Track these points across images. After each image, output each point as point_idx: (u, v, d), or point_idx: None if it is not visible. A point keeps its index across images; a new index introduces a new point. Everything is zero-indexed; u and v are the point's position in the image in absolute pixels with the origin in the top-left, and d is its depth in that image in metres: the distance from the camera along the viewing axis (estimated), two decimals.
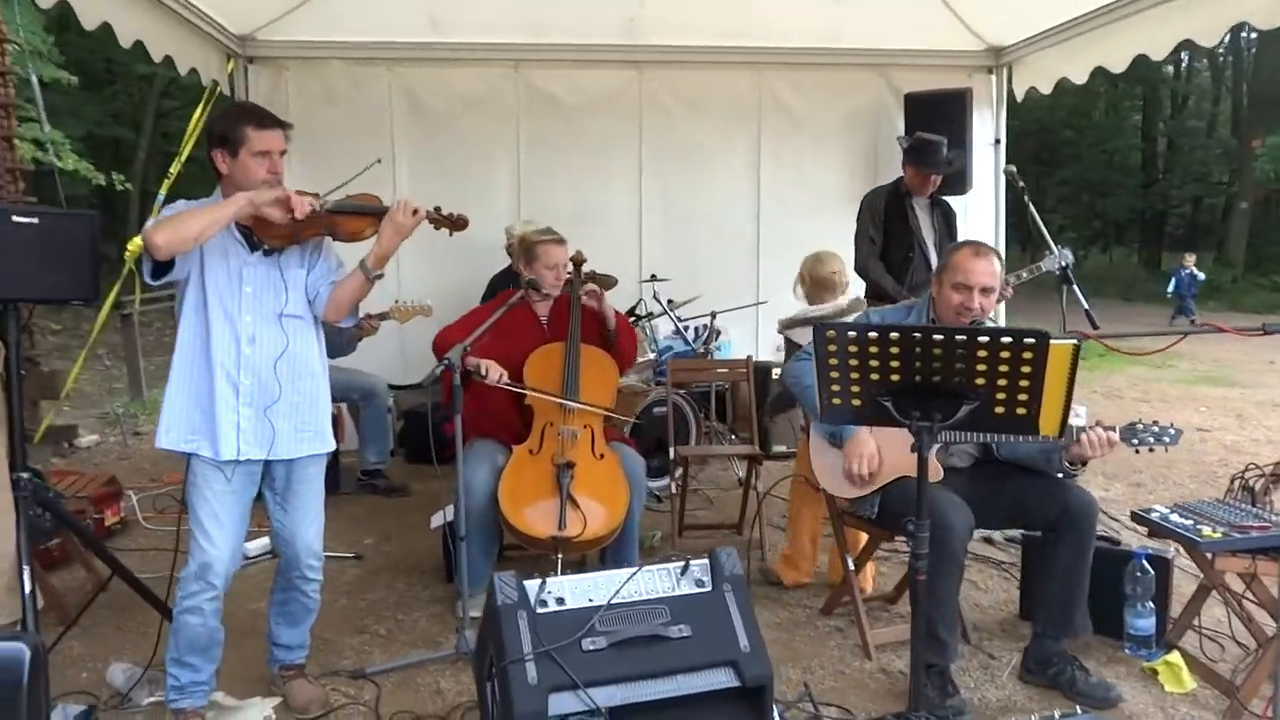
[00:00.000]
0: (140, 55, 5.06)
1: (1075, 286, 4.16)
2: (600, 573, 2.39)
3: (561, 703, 2.15)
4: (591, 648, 2.21)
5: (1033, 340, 2.19)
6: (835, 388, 2.41)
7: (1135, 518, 3.15)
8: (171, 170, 5.96)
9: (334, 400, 5.41)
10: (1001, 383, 2.28)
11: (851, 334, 2.29)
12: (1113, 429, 2.88)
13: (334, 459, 5.37)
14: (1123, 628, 3.20)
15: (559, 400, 3.47)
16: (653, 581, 2.36)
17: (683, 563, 2.40)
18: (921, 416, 2.35)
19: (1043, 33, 6.16)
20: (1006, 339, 2.21)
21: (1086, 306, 4.07)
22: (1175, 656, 3.09)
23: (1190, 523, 2.95)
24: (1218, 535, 2.85)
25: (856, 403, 2.42)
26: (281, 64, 6.37)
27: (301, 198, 2.64)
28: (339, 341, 5.44)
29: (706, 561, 2.42)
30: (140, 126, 15.52)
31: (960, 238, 5.44)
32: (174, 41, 5.18)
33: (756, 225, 6.90)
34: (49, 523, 3.07)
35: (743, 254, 6.88)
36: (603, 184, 6.74)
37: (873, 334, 2.27)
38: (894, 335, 2.26)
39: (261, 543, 4.17)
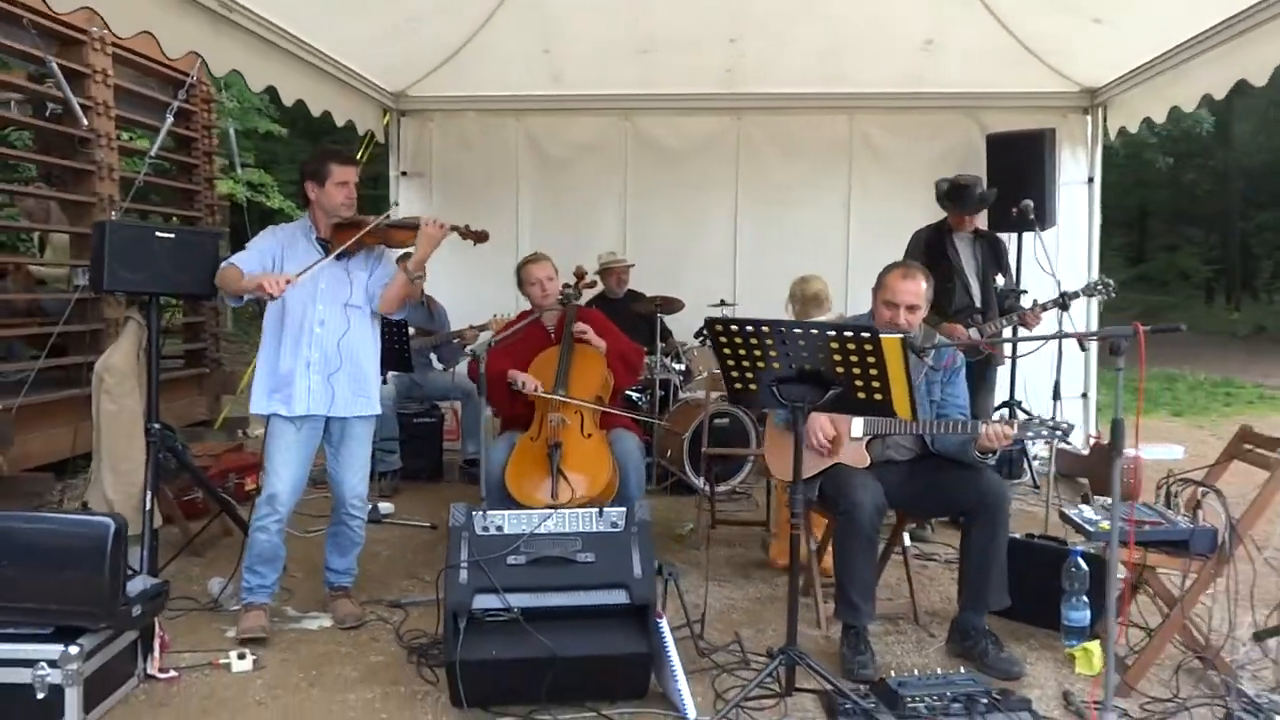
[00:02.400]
0: None
1: (1067, 313, 4.46)
2: (537, 511, 3.03)
3: (484, 600, 2.81)
4: (514, 562, 2.86)
5: (866, 335, 2.67)
6: (734, 374, 2.96)
7: (1061, 515, 3.45)
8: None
9: (443, 399, 6.38)
10: (856, 371, 2.77)
11: (734, 327, 2.84)
12: (1010, 424, 3.23)
13: (438, 451, 6.32)
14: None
15: (549, 396, 4.10)
16: (576, 521, 2.98)
17: (599, 510, 3.00)
18: (797, 399, 2.86)
19: (1133, 70, 6.30)
20: (847, 333, 2.69)
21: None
22: (1094, 644, 3.35)
23: (1096, 518, 3.25)
24: (1107, 524, 3.13)
25: (753, 387, 2.96)
26: (428, 116, 7.43)
27: (278, 280, 3.37)
28: (449, 353, 6.36)
29: (624, 510, 3.01)
30: None
31: (1012, 265, 5.73)
32: (333, 99, 6.25)
33: (846, 261, 7.27)
34: (174, 463, 4.03)
35: (832, 289, 7.29)
36: (701, 221, 7.36)
37: (750, 327, 2.81)
38: (766, 329, 2.79)
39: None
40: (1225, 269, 27.56)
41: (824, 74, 6.91)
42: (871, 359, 2.72)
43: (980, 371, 5.21)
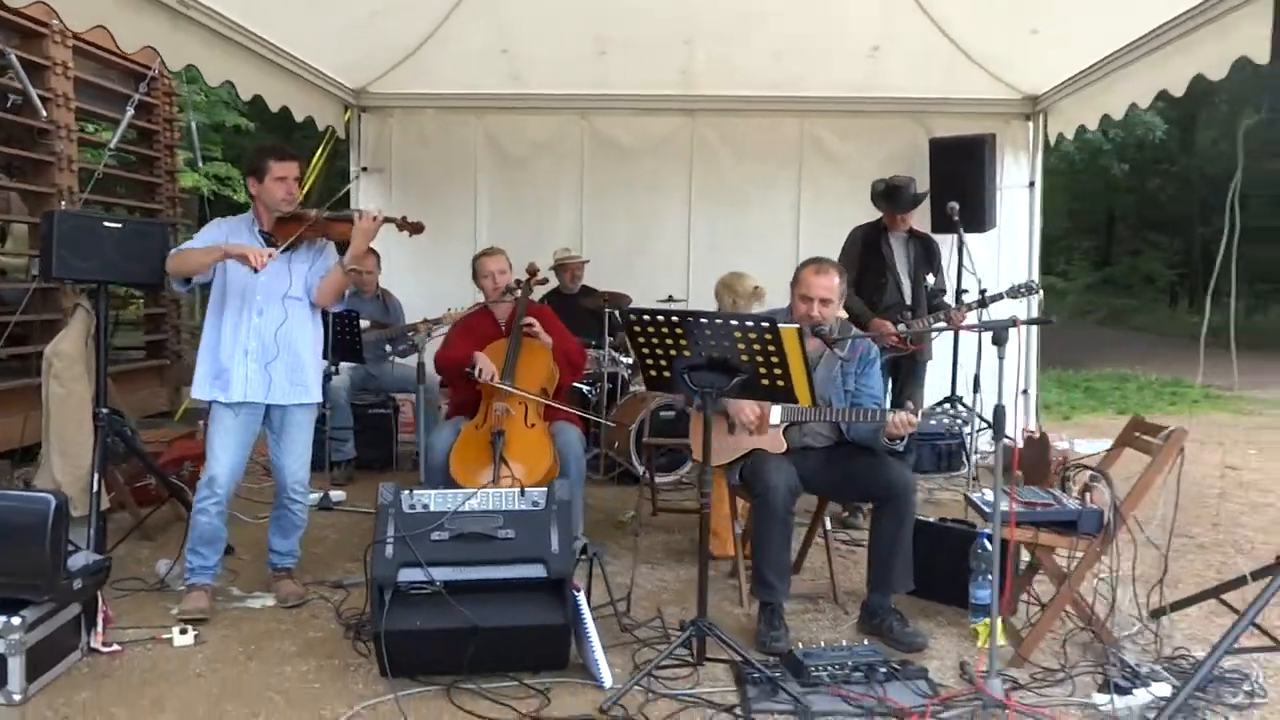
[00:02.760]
0: None
1: (985, 309, 4.69)
2: (462, 490, 3.20)
3: (409, 574, 2.97)
4: (437, 538, 3.02)
5: (766, 324, 2.85)
6: (649, 362, 3.14)
7: (966, 499, 3.65)
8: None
9: (399, 391, 6.51)
10: (760, 359, 2.95)
11: (646, 317, 3.02)
12: (915, 413, 3.43)
13: (392, 442, 6.46)
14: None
15: (495, 386, 4.26)
16: (498, 500, 3.15)
17: (521, 490, 3.17)
18: (706, 385, 3.04)
19: (1069, 79, 6.55)
20: (749, 322, 2.88)
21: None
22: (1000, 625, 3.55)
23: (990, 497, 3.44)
24: (1005, 510, 3.34)
25: (667, 374, 3.14)
26: (388, 112, 7.56)
27: (261, 253, 3.52)
28: (405, 346, 6.50)
29: (546, 490, 3.18)
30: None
31: (945, 266, 5.93)
32: (291, 94, 6.35)
33: (795, 260, 7.36)
34: (122, 448, 4.16)
35: (782, 284, 7.48)
36: (656, 219, 7.53)
37: (661, 317, 2.99)
38: (675, 319, 2.97)
39: (313, 496, 5.20)
40: (1188, 273, 28.05)
41: (776, 78, 7.10)
42: (772, 347, 2.90)
43: (909, 367, 5.41)
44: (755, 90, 7.27)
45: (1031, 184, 7.41)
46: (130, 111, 6.41)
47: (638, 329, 3.07)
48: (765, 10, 6.18)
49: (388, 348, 6.48)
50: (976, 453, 6.95)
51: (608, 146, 7.53)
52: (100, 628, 3.31)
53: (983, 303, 4.97)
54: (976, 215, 6.73)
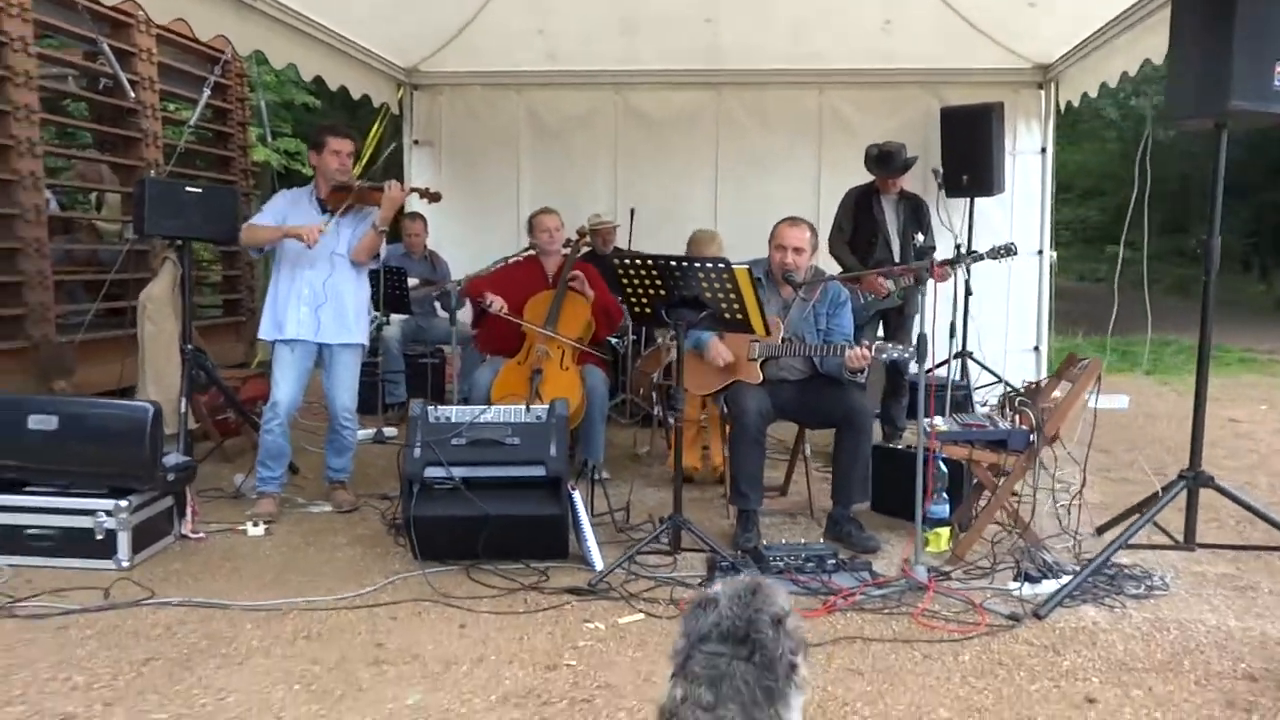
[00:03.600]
0: None
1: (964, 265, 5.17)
2: (478, 407, 3.84)
3: (433, 471, 3.62)
4: (456, 443, 3.66)
5: (723, 264, 3.41)
6: (633, 300, 3.73)
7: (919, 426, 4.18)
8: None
9: (445, 344, 7.19)
10: (720, 295, 3.52)
11: (628, 261, 3.61)
12: (869, 348, 3.95)
13: (440, 389, 7.15)
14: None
15: (536, 329, 4.90)
16: (507, 415, 3.78)
17: (526, 407, 3.79)
18: (679, 319, 3.62)
19: (1072, 49, 6.90)
20: (709, 264, 3.44)
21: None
22: (943, 529, 4.08)
23: (943, 425, 3.96)
24: (945, 429, 3.87)
25: (649, 311, 3.72)
26: (438, 89, 8.20)
27: (314, 229, 4.24)
28: (450, 302, 7.15)
29: (548, 406, 3.81)
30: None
31: (932, 227, 6.32)
32: (348, 74, 7.04)
33: (815, 220, 7.93)
34: (203, 378, 4.90)
35: None
36: (685, 187, 8.05)
37: (637, 260, 3.57)
38: (650, 262, 3.55)
39: (367, 432, 5.92)
40: (1258, 243, 27.48)
41: (795, 52, 7.56)
42: (730, 285, 3.47)
43: (897, 320, 5.86)
44: (776, 64, 7.73)
45: (1043, 150, 7.77)
46: (206, 92, 7.14)
47: (622, 275, 3.65)
48: None
49: (436, 304, 7.16)
50: (984, 404, 7.44)
51: (638, 119, 8.07)
52: (189, 518, 4.04)
53: (959, 260, 5.39)
54: (985, 180, 7.16)
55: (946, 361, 6.87)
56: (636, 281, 3.65)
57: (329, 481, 4.67)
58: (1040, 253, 7.84)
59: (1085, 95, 7.06)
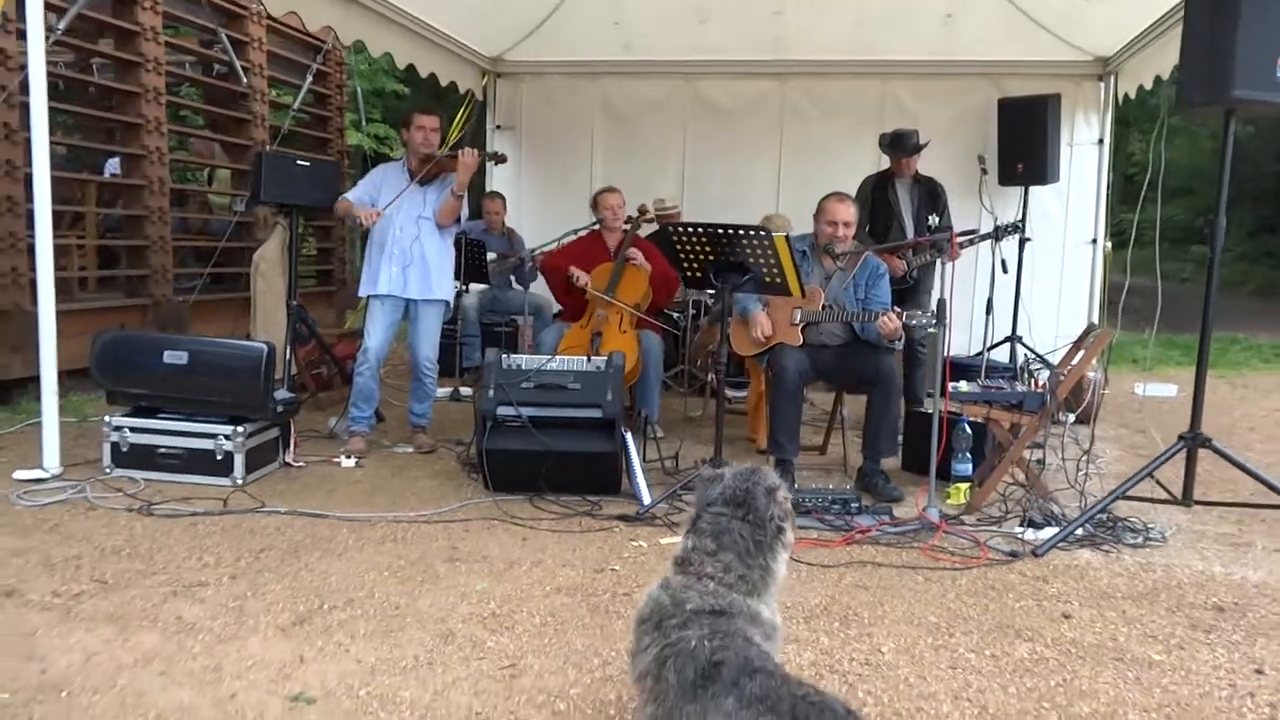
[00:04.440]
0: None
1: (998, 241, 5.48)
2: (545, 356, 4.34)
3: (504, 410, 4.14)
4: (526, 385, 4.17)
5: (764, 232, 3.84)
6: (685, 265, 4.18)
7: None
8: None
9: (518, 314, 7.75)
10: (762, 261, 3.96)
11: (681, 228, 4.06)
12: (900, 315, 4.32)
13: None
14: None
15: (600, 295, 5.40)
16: (570, 364, 4.28)
17: (587, 357, 4.28)
18: (725, 281, 4.06)
19: (1135, 37, 7.09)
20: (753, 231, 3.88)
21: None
22: (964, 485, 4.44)
23: (967, 389, 4.33)
24: (965, 390, 4.24)
25: (699, 274, 4.18)
26: (519, 78, 8.75)
27: (371, 213, 4.82)
28: (525, 275, 7.71)
29: (606, 358, 4.29)
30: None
31: (948, 209, 6.53)
32: (438, 63, 7.61)
33: None
34: (305, 331, 5.51)
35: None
36: (749, 171, 8.46)
37: (689, 228, 4.02)
38: (701, 230, 4.00)
39: (445, 390, 6.49)
40: None
41: (858, 43, 7.89)
42: (771, 252, 3.90)
43: (912, 298, 6.13)
44: (840, 55, 8.06)
45: (1101, 140, 7.96)
46: (309, 79, 7.84)
47: (676, 242, 4.11)
48: None
49: (512, 278, 7.70)
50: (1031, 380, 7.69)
51: (707, 106, 8.50)
52: (292, 448, 4.63)
53: (972, 239, 5.67)
54: (1040, 169, 7.41)
55: (996, 345, 7.15)
56: (690, 248, 4.10)
57: (411, 426, 5.23)
58: (1094, 241, 8.03)
59: (1141, 88, 7.24)
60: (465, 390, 6.86)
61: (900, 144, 6.19)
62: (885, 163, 6.68)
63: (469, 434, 5.39)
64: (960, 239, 5.49)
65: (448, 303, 5.17)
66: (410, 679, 2.52)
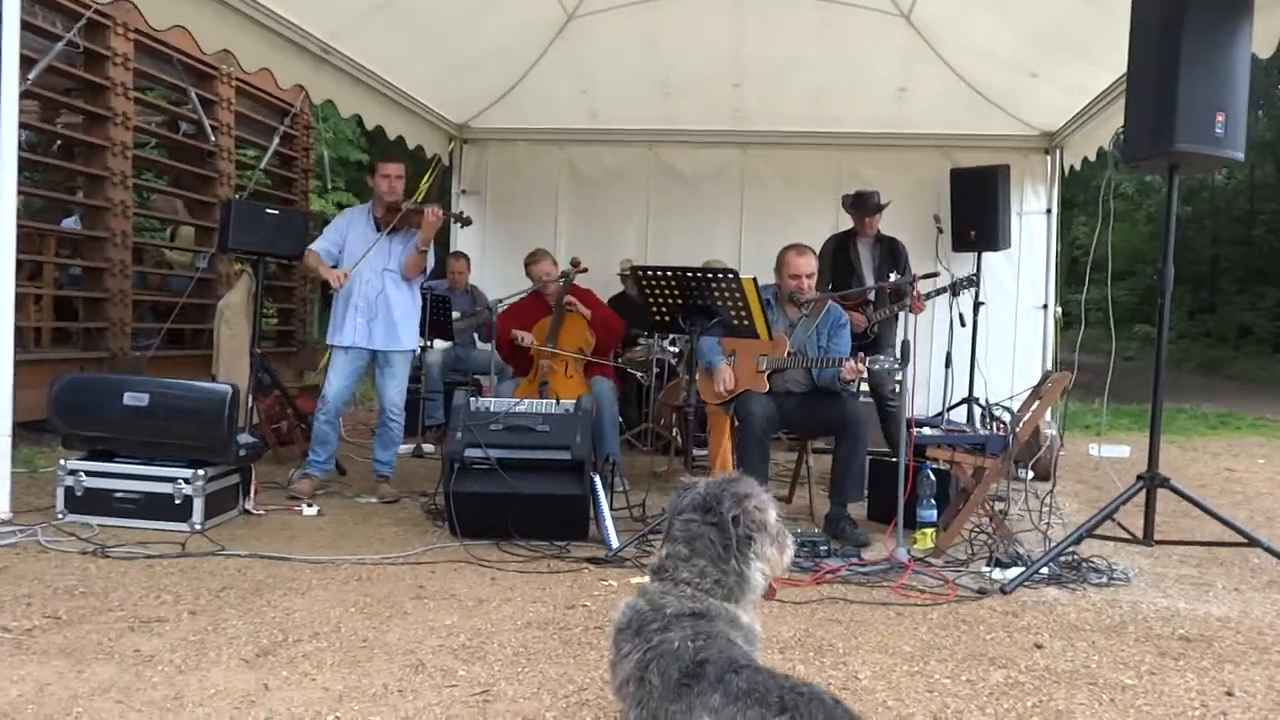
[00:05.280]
0: None
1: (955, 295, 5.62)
2: (514, 399, 4.34)
3: (472, 452, 4.11)
4: (494, 428, 4.15)
5: (733, 275, 3.92)
6: (654, 309, 4.24)
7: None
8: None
9: (482, 373, 7.73)
10: (730, 303, 4.02)
11: (649, 272, 4.12)
12: (863, 362, 4.40)
13: None
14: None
15: (542, 348, 5.45)
16: (539, 407, 4.28)
17: (556, 400, 4.29)
18: (693, 324, 4.12)
19: (1077, 114, 7.42)
20: (721, 274, 3.95)
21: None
22: (929, 530, 4.47)
23: (930, 433, 4.39)
24: (929, 433, 4.30)
25: (668, 318, 4.23)
26: (485, 144, 8.90)
27: (341, 274, 4.88)
28: (489, 332, 7.71)
29: (574, 402, 4.30)
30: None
31: (909, 267, 6.69)
32: (406, 126, 7.72)
33: None
34: (268, 380, 5.45)
35: None
36: (711, 238, 8.55)
37: (660, 272, 4.09)
38: (670, 273, 4.06)
39: (407, 447, 6.43)
40: None
41: (816, 116, 8.17)
42: (738, 294, 3.97)
43: (872, 351, 6.23)
44: (798, 126, 8.34)
45: (1049, 210, 8.27)
46: (276, 140, 7.91)
47: (645, 284, 4.17)
48: (802, 57, 7.29)
49: (475, 335, 7.71)
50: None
51: (671, 174, 8.69)
52: (253, 495, 4.54)
53: (932, 291, 5.82)
54: (991, 236, 7.66)
55: (955, 406, 7.26)
56: (658, 291, 4.16)
57: (375, 476, 5.16)
58: (1045, 307, 8.27)
59: (1086, 160, 7.56)
60: (428, 447, 6.80)
61: (862, 204, 6.37)
62: (845, 223, 6.87)
63: (433, 486, 5.35)
64: (923, 284, 5.64)
65: (414, 350, 5.16)
66: (380, 705, 2.45)
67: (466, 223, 5.31)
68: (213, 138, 7.45)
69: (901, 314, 6.07)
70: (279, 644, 2.86)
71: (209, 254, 7.35)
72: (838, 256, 6.34)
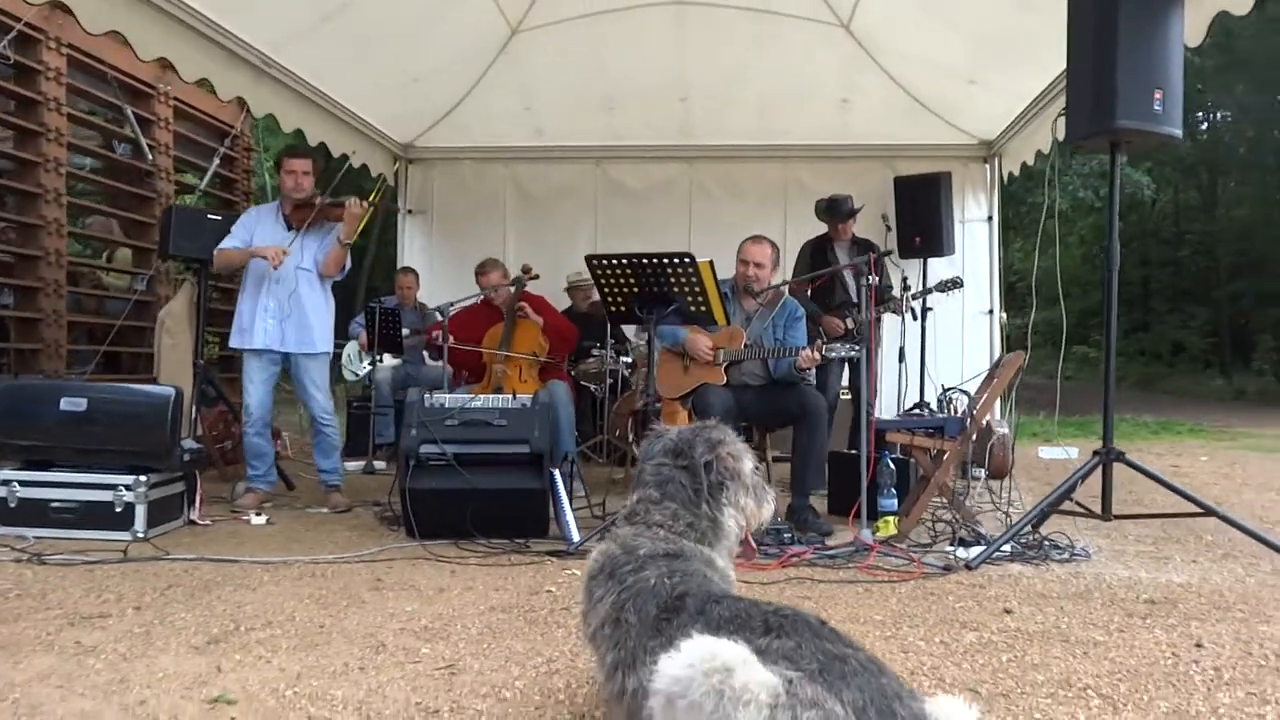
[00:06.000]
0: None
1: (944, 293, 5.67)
2: (469, 395, 4.25)
3: (428, 449, 4.00)
4: (450, 423, 4.06)
5: (688, 258, 3.90)
6: (609, 299, 4.19)
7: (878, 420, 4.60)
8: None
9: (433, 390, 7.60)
10: (686, 289, 4.00)
11: (604, 260, 4.08)
12: (817, 351, 4.40)
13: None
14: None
15: (495, 352, 5.38)
16: (495, 402, 4.19)
17: (513, 395, 4.21)
18: (650, 312, 4.08)
19: (1012, 122, 7.60)
20: (678, 259, 3.92)
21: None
22: (891, 518, 4.46)
23: (889, 419, 4.40)
24: (890, 416, 4.30)
25: (624, 308, 4.19)
26: (431, 163, 8.84)
27: (278, 251, 4.67)
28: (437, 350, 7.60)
29: (531, 396, 4.22)
30: None
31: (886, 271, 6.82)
32: (350, 144, 7.63)
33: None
34: (213, 393, 5.28)
35: None
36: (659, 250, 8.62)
37: (614, 260, 4.05)
38: (625, 261, 4.03)
39: (358, 464, 6.28)
40: (1219, 342, 28.43)
41: (762, 128, 8.27)
42: (694, 278, 3.95)
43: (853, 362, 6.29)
44: (744, 140, 8.43)
45: (990, 218, 8.42)
46: (216, 161, 7.76)
47: (600, 273, 4.13)
48: (745, 71, 7.37)
49: (425, 353, 7.59)
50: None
51: (618, 190, 8.71)
52: (198, 505, 4.38)
53: (914, 295, 5.89)
54: (936, 243, 7.78)
55: (910, 410, 7.30)
56: (612, 280, 4.12)
57: (324, 487, 5.01)
58: (990, 312, 8.40)
59: (1024, 165, 7.73)
60: (379, 464, 6.65)
61: (836, 209, 6.45)
62: (796, 233, 6.93)
63: (386, 497, 5.22)
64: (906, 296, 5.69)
65: (329, 353, 4.98)
66: (341, 681, 2.34)
67: (391, 211, 5.16)
68: (150, 157, 7.27)
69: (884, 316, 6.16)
70: (230, 633, 2.73)
71: (148, 276, 7.14)
72: (815, 261, 6.37)
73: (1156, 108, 3.86)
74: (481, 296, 6.04)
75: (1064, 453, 8.38)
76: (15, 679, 2.32)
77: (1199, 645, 2.75)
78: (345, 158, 7.52)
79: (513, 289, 5.73)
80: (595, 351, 7.11)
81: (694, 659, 1.46)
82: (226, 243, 4.87)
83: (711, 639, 1.52)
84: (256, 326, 4.77)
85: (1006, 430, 7.97)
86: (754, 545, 2.32)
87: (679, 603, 1.78)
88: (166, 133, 7.62)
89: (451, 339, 5.44)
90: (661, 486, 2.06)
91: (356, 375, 7.94)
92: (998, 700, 2.29)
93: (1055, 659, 2.60)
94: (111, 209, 7.41)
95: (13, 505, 3.98)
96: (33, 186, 6.20)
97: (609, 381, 7.24)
